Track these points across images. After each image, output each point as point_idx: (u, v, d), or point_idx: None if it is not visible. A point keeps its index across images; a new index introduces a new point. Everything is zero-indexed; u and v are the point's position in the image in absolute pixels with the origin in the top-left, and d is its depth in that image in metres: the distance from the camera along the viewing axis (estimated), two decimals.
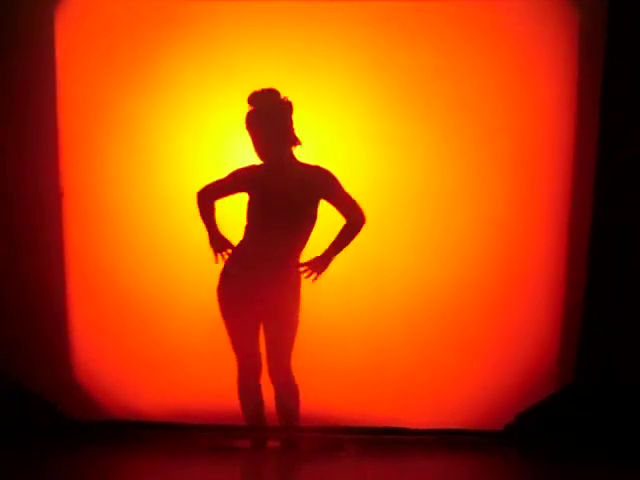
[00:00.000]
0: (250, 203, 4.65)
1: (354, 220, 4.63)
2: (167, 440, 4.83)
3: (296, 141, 4.62)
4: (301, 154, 4.67)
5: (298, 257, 4.66)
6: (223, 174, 4.68)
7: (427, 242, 5.05)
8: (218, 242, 4.68)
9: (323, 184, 4.62)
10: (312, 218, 4.65)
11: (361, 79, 4.99)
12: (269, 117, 4.57)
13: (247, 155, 4.68)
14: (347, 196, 4.63)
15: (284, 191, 4.59)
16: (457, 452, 4.73)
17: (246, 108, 4.62)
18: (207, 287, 4.72)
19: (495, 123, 4.99)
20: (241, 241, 4.68)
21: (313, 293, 4.83)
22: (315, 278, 4.63)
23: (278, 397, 4.78)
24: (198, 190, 4.68)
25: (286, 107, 4.59)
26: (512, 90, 4.98)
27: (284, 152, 4.62)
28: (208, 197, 4.67)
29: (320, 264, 4.63)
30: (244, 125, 4.62)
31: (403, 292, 5.04)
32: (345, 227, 4.64)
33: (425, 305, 5.05)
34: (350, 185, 4.88)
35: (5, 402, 4.86)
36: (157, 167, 5.07)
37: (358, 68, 4.98)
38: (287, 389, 4.76)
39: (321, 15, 4.97)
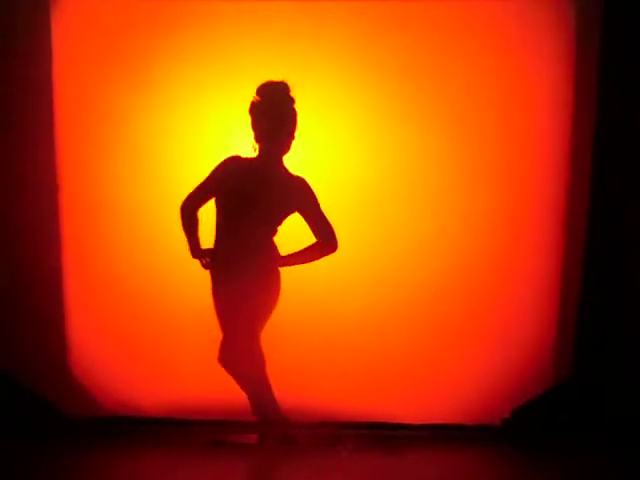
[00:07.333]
0: (222, 198, 4.62)
1: (325, 244, 4.58)
2: (165, 436, 4.84)
3: (289, 144, 4.60)
4: (296, 154, 4.68)
5: (268, 246, 4.62)
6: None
7: (422, 239, 5.06)
8: (198, 252, 4.67)
9: (300, 197, 4.57)
10: (279, 221, 4.61)
11: (359, 78, 5.00)
12: (280, 109, 4.55)
13: (245, 152, 4.69)
14: (322, 218, 4.57)
15: (259, 189, 4.56)
16: (454, 447, 4.74)
17: (240, 105, 4.64)
18: (204, 282, 4.73)
19: (490, 123, 5.01)
20: (215, 240, 4.66)
21: (309, 291, 4.87)
22: None
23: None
24: (181, 203, 4.65)
25: (293, 109, 4.58)
26: (508, 90, 4.99)
27: (279, 149, 4.60)
28: (191, 207, 4.65)
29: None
30: (249, 111, 4.60)
31: (399, 288, 5.05)
32: (314, 246, 4.59)
33: (421, 301, 5.06)
34: (343, 183, 4.92)
35: (2, 399, 4.87)
36: (153, 163, 5.08)
37: (356, 68, 4.99)
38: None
39: (319, 15, 4.99)
